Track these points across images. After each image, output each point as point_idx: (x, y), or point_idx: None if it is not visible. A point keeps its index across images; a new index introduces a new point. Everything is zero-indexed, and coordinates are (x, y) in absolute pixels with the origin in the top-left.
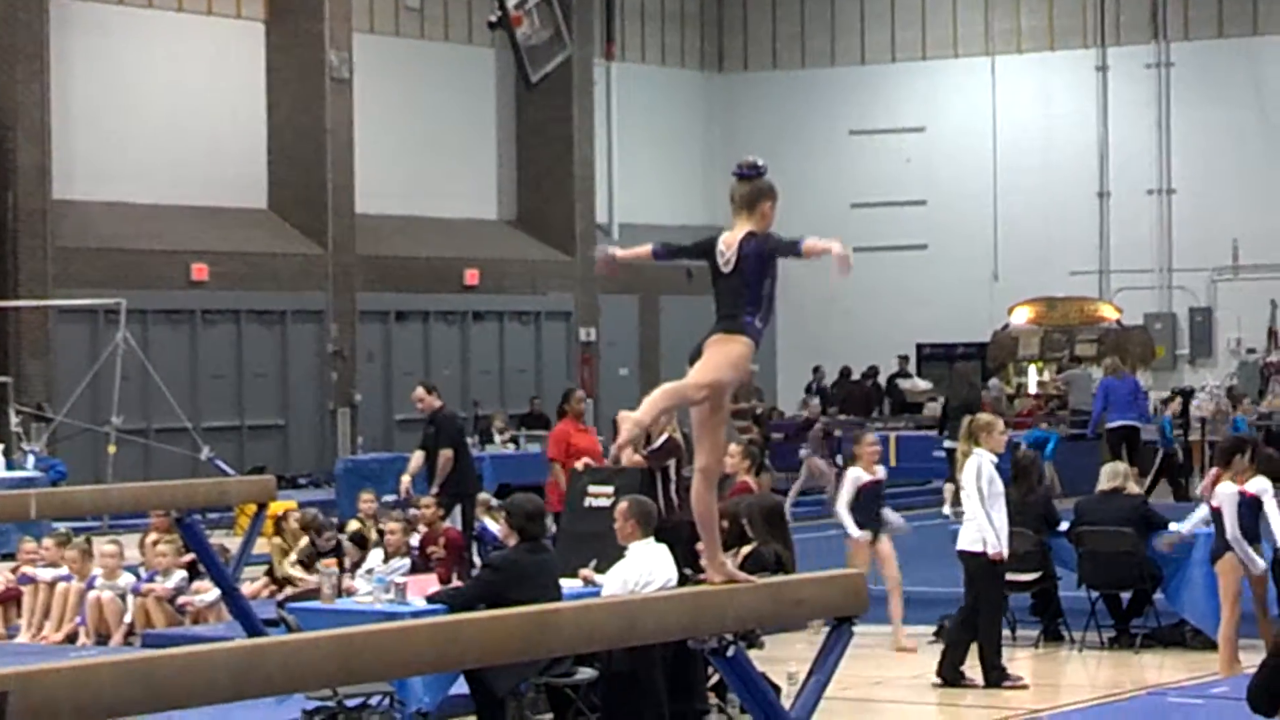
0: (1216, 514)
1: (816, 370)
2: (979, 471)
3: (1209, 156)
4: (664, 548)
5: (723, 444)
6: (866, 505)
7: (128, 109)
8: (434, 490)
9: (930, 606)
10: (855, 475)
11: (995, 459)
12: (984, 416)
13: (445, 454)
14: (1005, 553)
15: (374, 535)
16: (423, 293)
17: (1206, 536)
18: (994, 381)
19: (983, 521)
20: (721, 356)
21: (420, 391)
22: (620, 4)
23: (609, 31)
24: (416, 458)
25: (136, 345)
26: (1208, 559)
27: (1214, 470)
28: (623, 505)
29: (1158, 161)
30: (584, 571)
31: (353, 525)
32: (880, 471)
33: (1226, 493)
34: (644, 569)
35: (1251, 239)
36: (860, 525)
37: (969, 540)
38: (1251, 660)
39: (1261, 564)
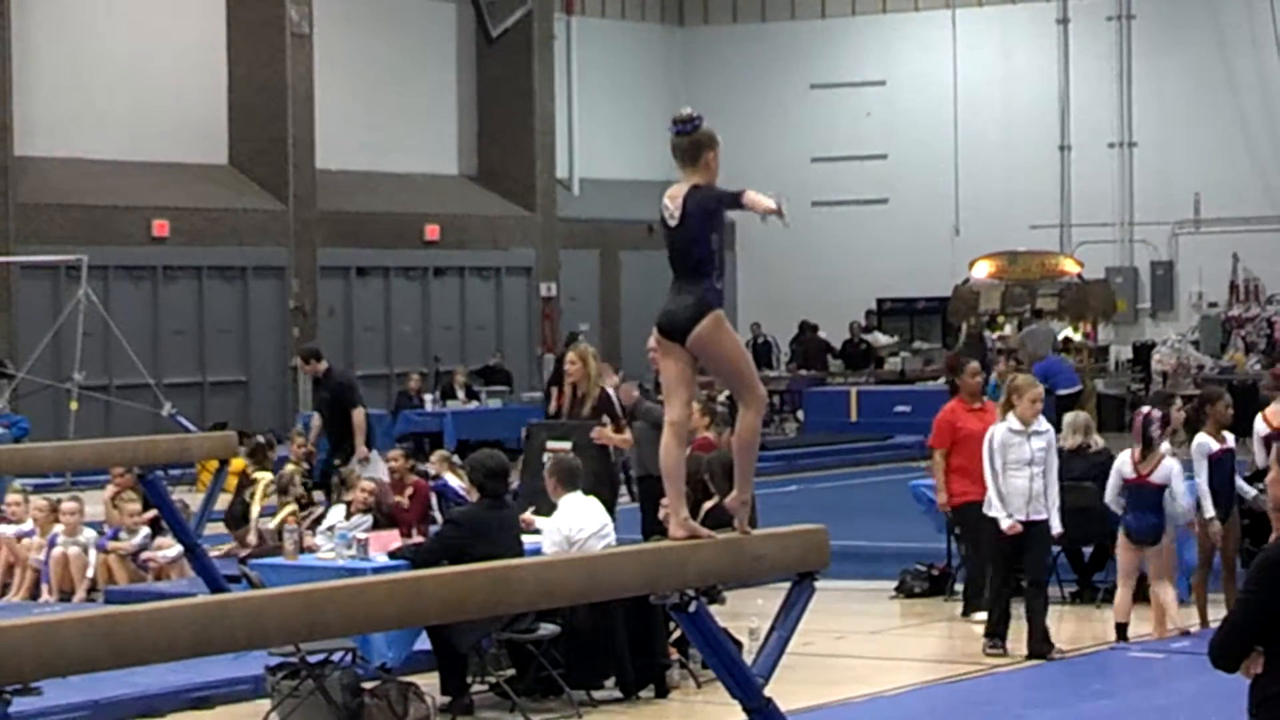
0: None
1: (755, 327)
2: (989, 440)
3: (1170, 109)
4: (592, 499)
5: (693, 399)
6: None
7: (89, 65)
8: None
9: (890, 561)
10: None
11: (1021, 425)
12: (1021, 378)
13: (359, 414)
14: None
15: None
16: (383, 248)
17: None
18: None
19: (991, 489)
20: (716, 352)
21: (301, 362)
22: None
23: None
24: (317, 421)
25: (98, 301)
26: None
27: None
28: (547, 466)
29: (1119, 114)
30: (525, 516)
31: (288, 468)
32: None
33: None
34: (575, 520)
35: (1213, 192)
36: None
37: (986, 503)
38: (1214, 615)
39: (1183, 520)
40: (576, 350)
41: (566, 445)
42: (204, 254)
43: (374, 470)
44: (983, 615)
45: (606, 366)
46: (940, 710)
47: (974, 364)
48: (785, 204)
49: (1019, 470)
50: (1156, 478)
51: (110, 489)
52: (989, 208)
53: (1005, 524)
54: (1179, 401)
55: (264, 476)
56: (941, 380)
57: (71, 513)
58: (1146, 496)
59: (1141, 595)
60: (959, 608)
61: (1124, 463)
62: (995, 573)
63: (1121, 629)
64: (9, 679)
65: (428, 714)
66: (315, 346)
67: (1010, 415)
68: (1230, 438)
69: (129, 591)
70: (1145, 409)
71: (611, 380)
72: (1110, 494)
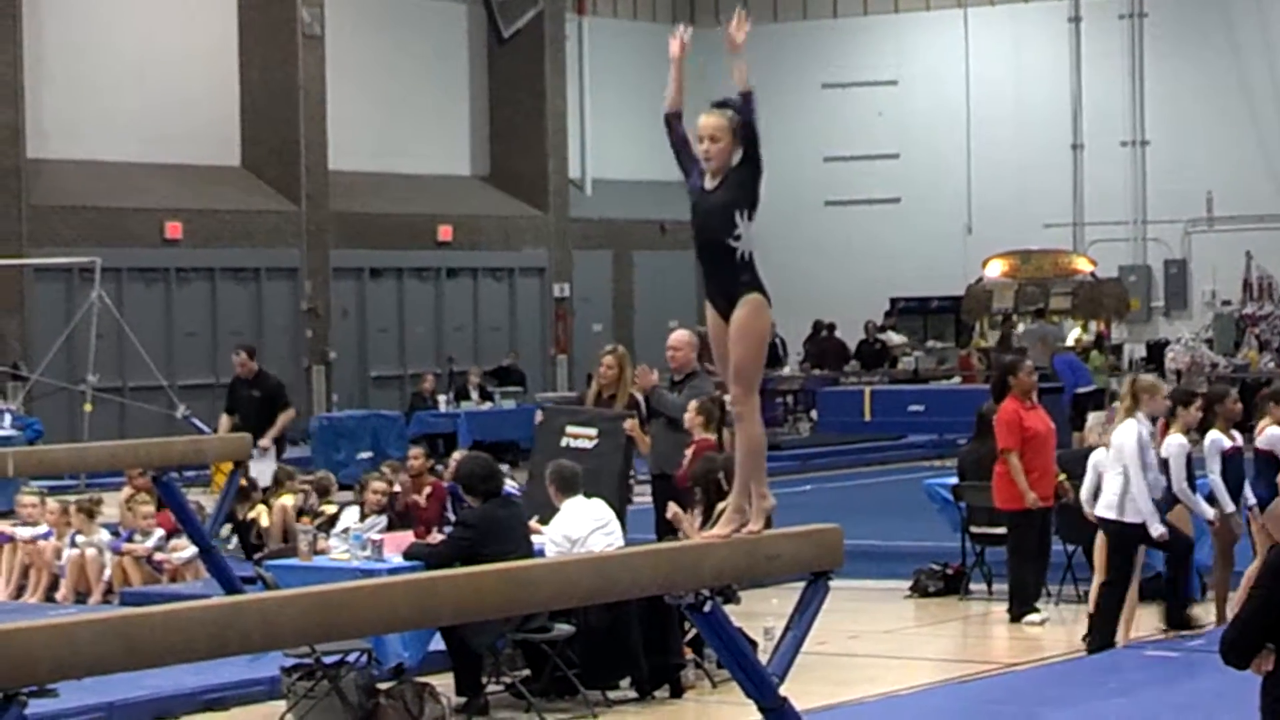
0: (1164, 465)
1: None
2: (1138, 438)
3: (1183, 107)
4: (596, 501)
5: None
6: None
7: (101, 67)
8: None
9: (905, 560)
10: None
11: (1151, 426)
12: (1147, 378)
13: (291, 414)
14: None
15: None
16: (396, 249)
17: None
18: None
19: (1138, 492)
20: None
21: (244, 357)
22: None
23: None
24: (226, 422)
25: (111, 304)
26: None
27: (1160, 422)
28: (548, 474)
29: (1131, 113)
30: (531, 524)
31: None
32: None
33: (1174, 444)
34: (576, 522)
35: (1226, 190)
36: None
37: (1107, 505)
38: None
39: (1210, 511)
40: (615, 354)
41: (591, 431)
42: (217, 256)
43: (266, 462)
44: (1035, 617)
45: (644, 368)
46: (956, 710)
47: (1029, 363)
48: None
49: (1151, 474)
50: None
51: (127, 491)
52: (1002, 206)
53: (1157, 531)
54: (1200, 400)
55: (260, 512)
56: (957, 379)
57: (82, 512)
58: None
59: (1155, 593)
60: (974, 607)
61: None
62: (1116, 582)
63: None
64: (25, 681)
65: (443, 714)
66: (253, 345)
67: (1140, 415)
68: (1239, 435)
69: (144, 593)
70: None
71: (650, 379)
72: (1086, 492)
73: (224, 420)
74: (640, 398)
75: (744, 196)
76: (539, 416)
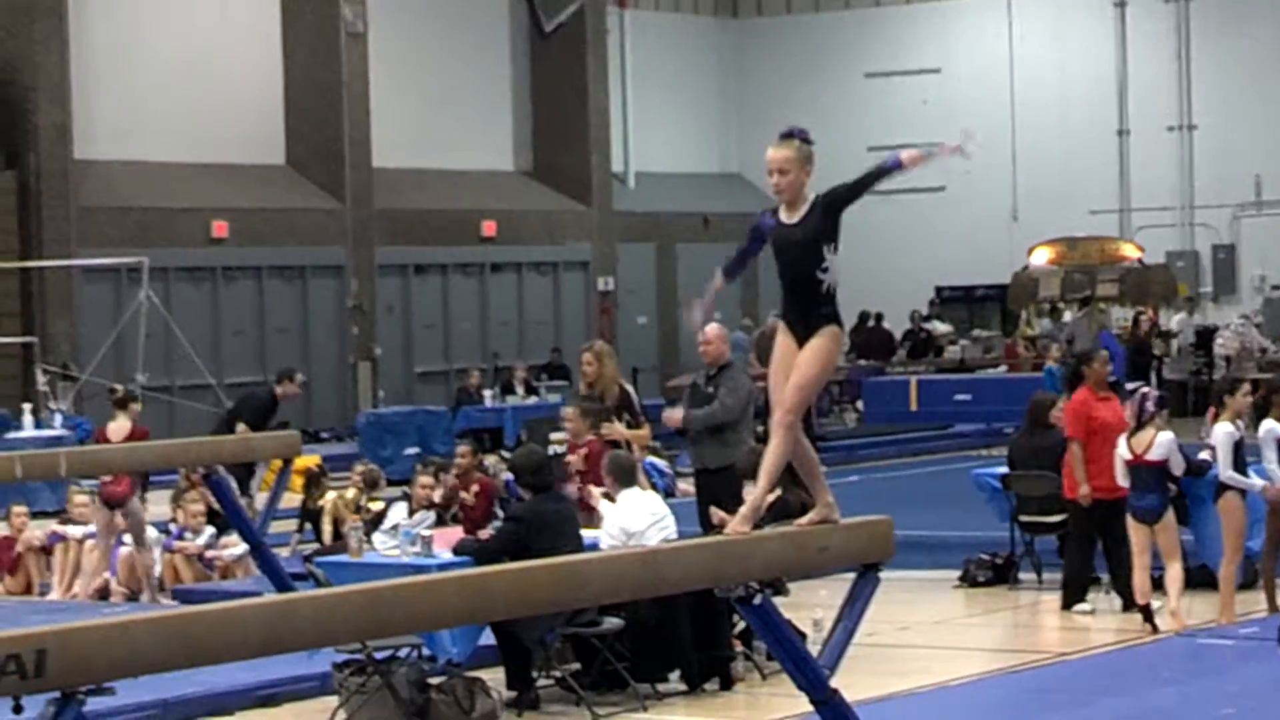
0: (1212, 453)
1: None
2: None
3: (1230, 91)
4: (651, 494)
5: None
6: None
7: (146, 67)
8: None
9: (954, 550)
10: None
11: None
12: None
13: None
14: None
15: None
16: (440, 245)
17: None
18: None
19: None
20: None
21: (283, 382)
22: None
23: None
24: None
25: (159, 303)
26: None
27: (1210, 410)
28: (604, 464)
29: (1178, 97)
30: (596, 492)
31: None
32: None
33: (1222, 432)
34: (634, 516)
35: (1274, 174)
36: None
37: None
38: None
39: (1260, 483)
40: (593, 350)
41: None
42: (263, 254)
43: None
44: (1084, 606)
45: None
46: (1008, 700)
47: (1103, 352)
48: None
49: None
50: (1153, 455)
51: (193, 492)
52: (1047, 193)
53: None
54: (1246, 386)
55: (327, 501)
56: (1003, 368)
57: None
58: (1145, 475)
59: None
60: (1024, 597)
61: (1121, 445)
62: None
63: (1146, 610)
64: (83, 680)
65: (494, 709)
66: None
67: None
68: None
69: (196, 590)
70: (1144, 389)
71: (675, 418)
72: (1119, 476)
73: (243, 430)
74: (631, 389)
75: (829, 232)
76: (524, 434)
